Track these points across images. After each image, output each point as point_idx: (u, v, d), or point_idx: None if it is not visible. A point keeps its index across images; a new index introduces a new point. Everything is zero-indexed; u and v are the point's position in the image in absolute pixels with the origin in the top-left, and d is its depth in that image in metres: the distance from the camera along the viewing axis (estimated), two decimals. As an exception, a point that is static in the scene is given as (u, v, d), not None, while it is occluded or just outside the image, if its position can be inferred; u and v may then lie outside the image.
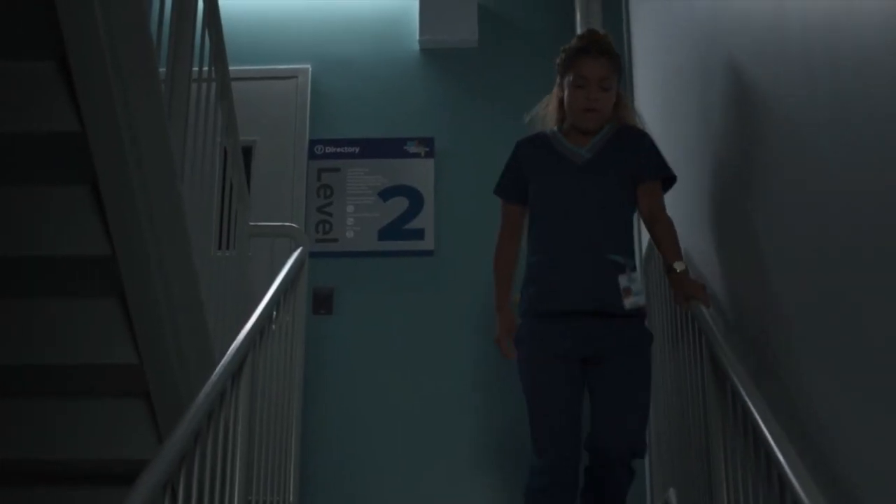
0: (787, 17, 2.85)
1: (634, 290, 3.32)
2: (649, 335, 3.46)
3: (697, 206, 3.91)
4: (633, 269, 3.40)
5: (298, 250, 4.32)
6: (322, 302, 5.51)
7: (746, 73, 3.27)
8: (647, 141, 3.59)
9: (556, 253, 3.41)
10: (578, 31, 5.53)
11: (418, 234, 5.60)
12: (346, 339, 5.47)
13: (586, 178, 3.46)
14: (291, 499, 4.03)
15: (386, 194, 5.67)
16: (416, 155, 5.72)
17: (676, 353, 3.89)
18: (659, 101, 4.82)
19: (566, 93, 3.55)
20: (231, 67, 4.10)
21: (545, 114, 3.72)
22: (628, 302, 3.31)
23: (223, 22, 3.95)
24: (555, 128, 3.66)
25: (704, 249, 3.82)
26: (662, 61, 4.77)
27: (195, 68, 3.63)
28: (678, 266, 3.42)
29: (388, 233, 5.62)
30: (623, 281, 3.32)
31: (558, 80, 3.63)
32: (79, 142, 3.09)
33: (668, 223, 3.50)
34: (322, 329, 5.44)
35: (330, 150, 5.74)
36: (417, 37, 5.90)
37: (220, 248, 4.11)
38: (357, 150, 5.74)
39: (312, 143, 5.76)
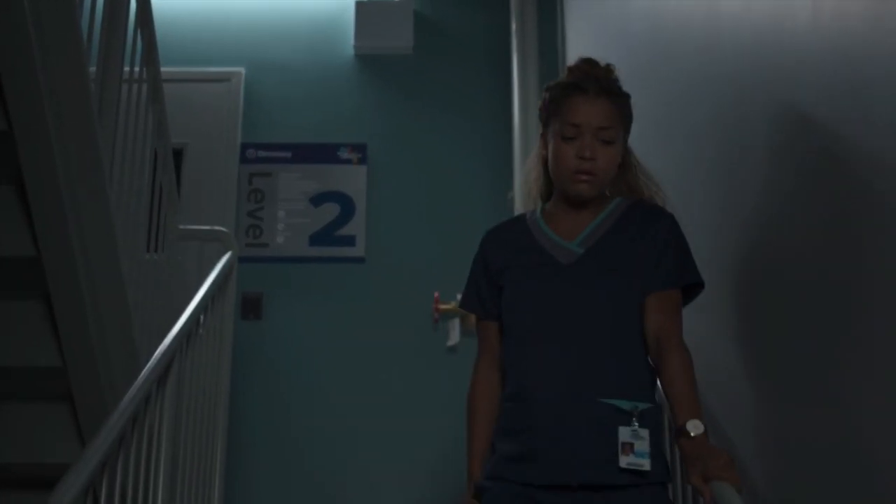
0: (720, 16, 2.89)
1: (638, 448, 2.29)
2: None
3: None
4: (646, 415, 2.35)
5: (227, 254, 4.29)
6: (251, 307, 5.47)
7: (690, 80, 3.29)
8: (665, 225, 2.49)
9: (534, 397, 2.39)
10: (514, 40, 5.55)
11: (349, 241, 5.58)
12: (275, 344, 5.44)
13: (576, 285, 2.44)
14: (216, 506, 3.99)
15: (317, 200, 5.65)
16: (349, 161, 5.70)
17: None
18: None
19: (550, 147, 2.53)
20: (163, 69, 4.06)
21: (529, 187, 2.73)
22: (625, 460, 2.28)
23: (156, 22, 3.92)
24: (537, 209, 2.67)
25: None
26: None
27: (126, 68, 3.59)
28: (693, 428, 2.23)
29: (318, 239, 5.59)
30: (624, 434, 2.30)
31: (541, 131, 2.61)
32: (5, 141, 3.05)
33: (682, 359, 2.34)
34: (251, 334, 5.40)
35: (262, 154, 5.71)
36: (353, 42, 5.89)
37: (148, 251, 4.07)
38: (289, 154, 5.72)
39: (244, 146, 5.72)
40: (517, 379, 2.45)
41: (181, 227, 4.42)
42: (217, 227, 4.69)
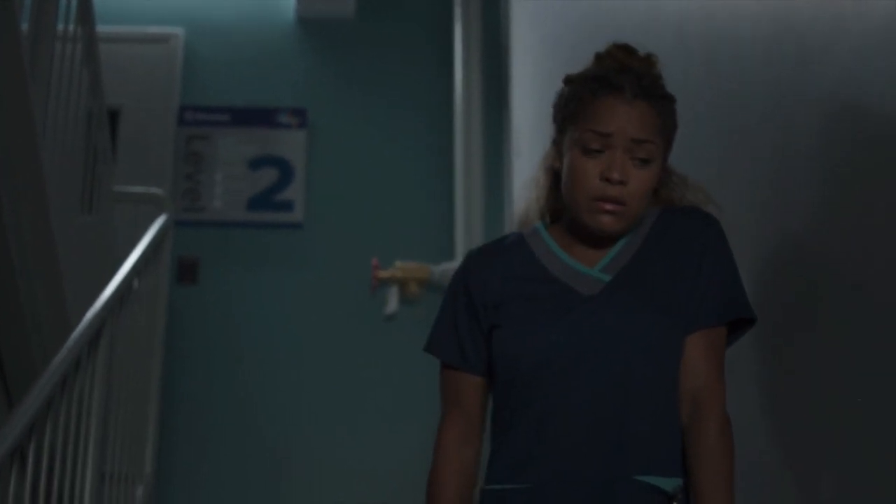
0: (664, 9, 2.89)
1: None
2: None
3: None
4: (684, 494, 1.75)
5: (162, 217, 4.24)
6: (187, 271, 5.42)
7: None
8: (712, 236, 1.86)
9: (543, 475, 1.75)
10: (457, 7, 5.51)
11: (288, 206, 5.55)
12: (211, 309, 5.40)
13: (602, 321, 1.79)
14: (148, 470, 3.96)
15: (256, 164, 5.61)
16: (288, 126, 5.66)
17: None
18: (532, 108, 4.83)
19: (566, 161, 1.86)
20: (99, 28, 3.98)
21: (528, 206, 2.02)
22: None
23: (92, -21, 3.85)
24: (538, 224, 1.96)
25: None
26: (548, 53, 4.78)
27: (60, 26, 3.52)
28: None
29: (256, 203, 5.55)
30: None
31: (554, 136, 1.94)
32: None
33: (723, 439, 1.74)
34: (186, 299, 5.35)
35: (200, 117, 5.65)
36: (294, 5, 5.82)
37: (82, 212, 4.01)
38: (228, 118, 5.66)
39: (182, 109, 5.66)
40: (523, 454, 1.78)
41: (115, 188, 4.36)
42: (152, 189, 4.63)
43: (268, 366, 5.32)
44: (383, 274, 5.31)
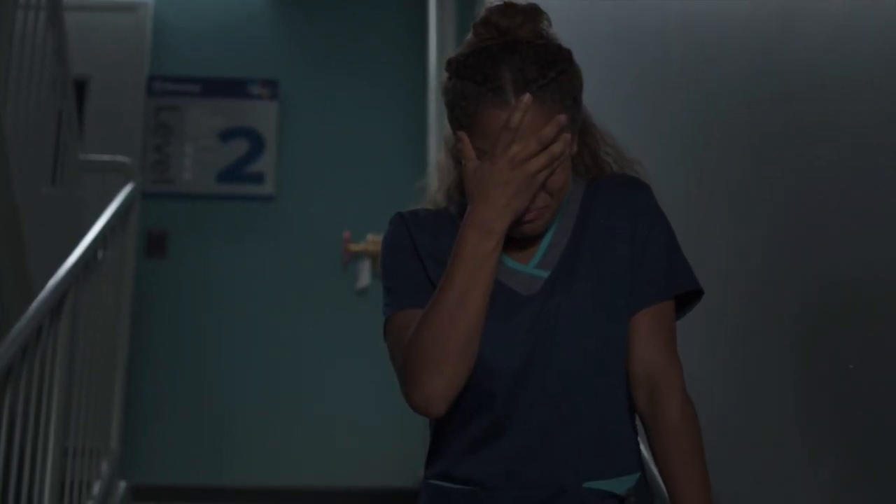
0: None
1: None
2: None
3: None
4: (638, 492, 1.64)
5: (129, 186, 4.15)
6: (156, 244, 5.36)
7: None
8: (644, 202, 1.70)
9: (491, 478, 1.63)
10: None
11: (258, 179, 5.49)
12: (180, 283, 5.34)
13: (547, 327, 1.63)
14: (113, 445, 3.90)
15: (226, 136, 5.53)
16: (259, 97, 5.59)
17: None
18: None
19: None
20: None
21: (434, 193, 1.84)
22: None
23: (56, -57, 3.76)
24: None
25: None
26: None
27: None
28: None
29: (227, 175, 5.49)
30: None
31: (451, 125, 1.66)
32: None
33: (689, 425, 1.63)
34: (155, 272, 5.29)
35: (170, 87, 5.57)
36: (265, -24, 5.76)
37: (49, 183, 3.94)
38: (198, 88, 5.58)
39: (151, 79, 5.57)
40: (459, 464, 1.66)
41: (81, 157, 4.28)
42: (118, 157, 4.54)
43: (238, 341, 5.26)
44: (355, 247, 5.25)
